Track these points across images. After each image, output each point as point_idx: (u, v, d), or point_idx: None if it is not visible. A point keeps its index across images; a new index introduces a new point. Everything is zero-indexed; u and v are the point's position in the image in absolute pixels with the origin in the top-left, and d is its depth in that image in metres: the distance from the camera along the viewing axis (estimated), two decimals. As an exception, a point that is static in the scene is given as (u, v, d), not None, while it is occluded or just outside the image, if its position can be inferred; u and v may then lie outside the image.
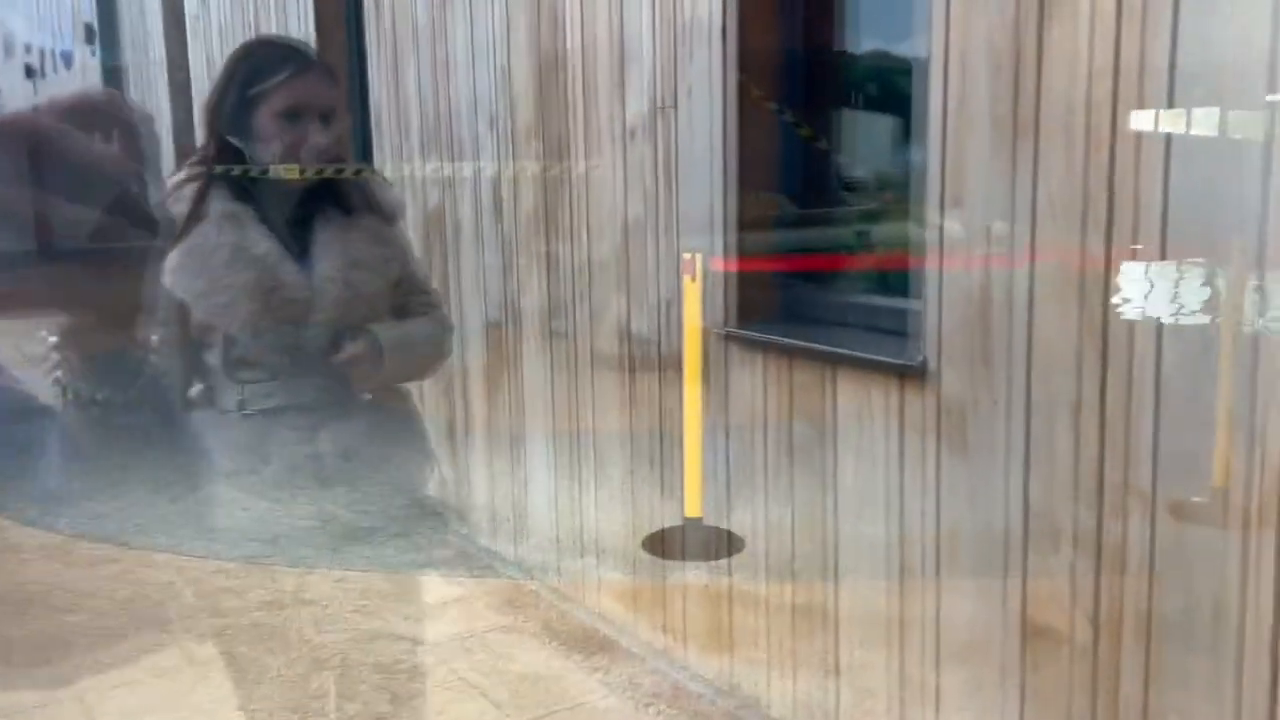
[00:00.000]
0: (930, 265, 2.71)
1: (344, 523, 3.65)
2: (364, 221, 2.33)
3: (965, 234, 2.59)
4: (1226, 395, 2.08)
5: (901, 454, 2.88)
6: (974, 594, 2.71)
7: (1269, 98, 1.93)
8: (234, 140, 2.20)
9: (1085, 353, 2.30)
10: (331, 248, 2.25)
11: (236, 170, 2.23)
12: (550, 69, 4.89)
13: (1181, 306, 2.13)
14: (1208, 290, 2.08)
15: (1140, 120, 2.12)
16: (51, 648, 3.64)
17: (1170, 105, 2.07)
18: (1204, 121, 2.03)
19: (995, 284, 2.48)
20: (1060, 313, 2.35)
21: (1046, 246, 2.38)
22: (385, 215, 2.42)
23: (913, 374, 2.72)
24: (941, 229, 2.67)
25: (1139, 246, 2.16)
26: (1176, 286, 2.13)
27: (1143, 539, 2.24)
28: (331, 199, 2.29)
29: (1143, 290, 2.18)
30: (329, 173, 2.30)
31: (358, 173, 2.54)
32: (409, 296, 2.47)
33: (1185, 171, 2.07)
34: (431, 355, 2.65)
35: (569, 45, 4.84)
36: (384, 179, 3.06)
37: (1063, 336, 2.34)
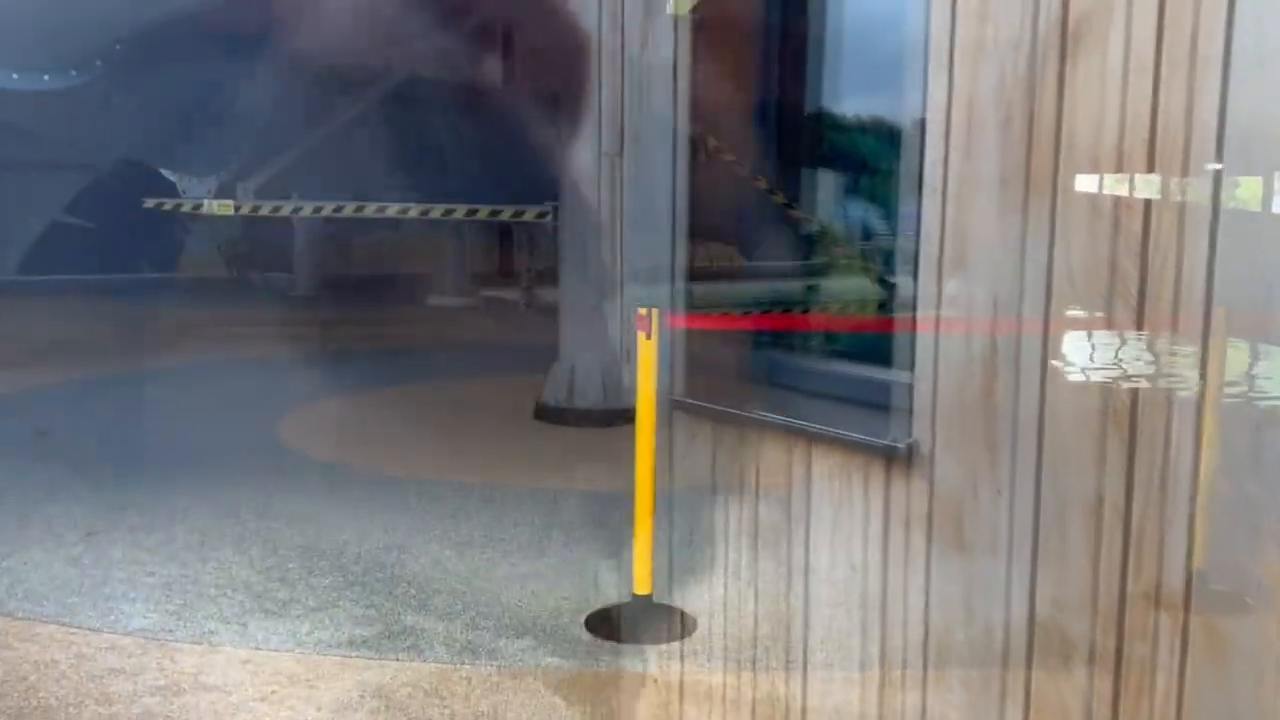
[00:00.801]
0: (924, 334, 2.40)
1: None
2: None
3: (967, 301, 2.30)
4: None
5: (885, 544, 2.56)
6: (965, 708, 2.38)
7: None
8: None
9: (1108, 442, 2.00)
10: None
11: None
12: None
13: (1227, 392, 1.84)
14: (1260, 375, 1.79)
15: (1183, 183, 1.84)
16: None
17: (1219, 167, 1.80)
18: (1257, 187, 1.75)
19: (1002, 359, 2.19)
20: (1078, 395, 2.05)
21: (1064, 319, 2.09)
22: None
23: (901, 457, 2.41)
24: (939, 294, 2.37)
25: (1178, 323, 1.87)
26: (1221, 371, 1.84)
27: (1172, 662, 1.94)
28: None
29: (1180, 373, 1.89)
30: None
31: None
32: None
33: (1235, 241, 1.79)
34: None
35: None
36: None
37: (1081, 423, 2.05)
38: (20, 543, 4.93)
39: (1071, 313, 2.08)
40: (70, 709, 3.35)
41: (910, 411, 2.41)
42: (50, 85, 7.76)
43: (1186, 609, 1.93)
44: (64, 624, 4.05)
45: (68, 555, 4.79)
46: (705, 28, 4.83)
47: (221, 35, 8.66)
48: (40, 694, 3.45)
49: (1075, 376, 2.06)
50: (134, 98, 8.52)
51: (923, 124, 2.50)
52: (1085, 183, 2.11)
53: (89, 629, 4.00)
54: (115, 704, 3.39)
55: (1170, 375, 1.92)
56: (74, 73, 7.81)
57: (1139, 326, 1.94)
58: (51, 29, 7.42)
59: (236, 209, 8.88)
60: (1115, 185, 2.02)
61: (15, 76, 7.73)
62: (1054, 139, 2.16)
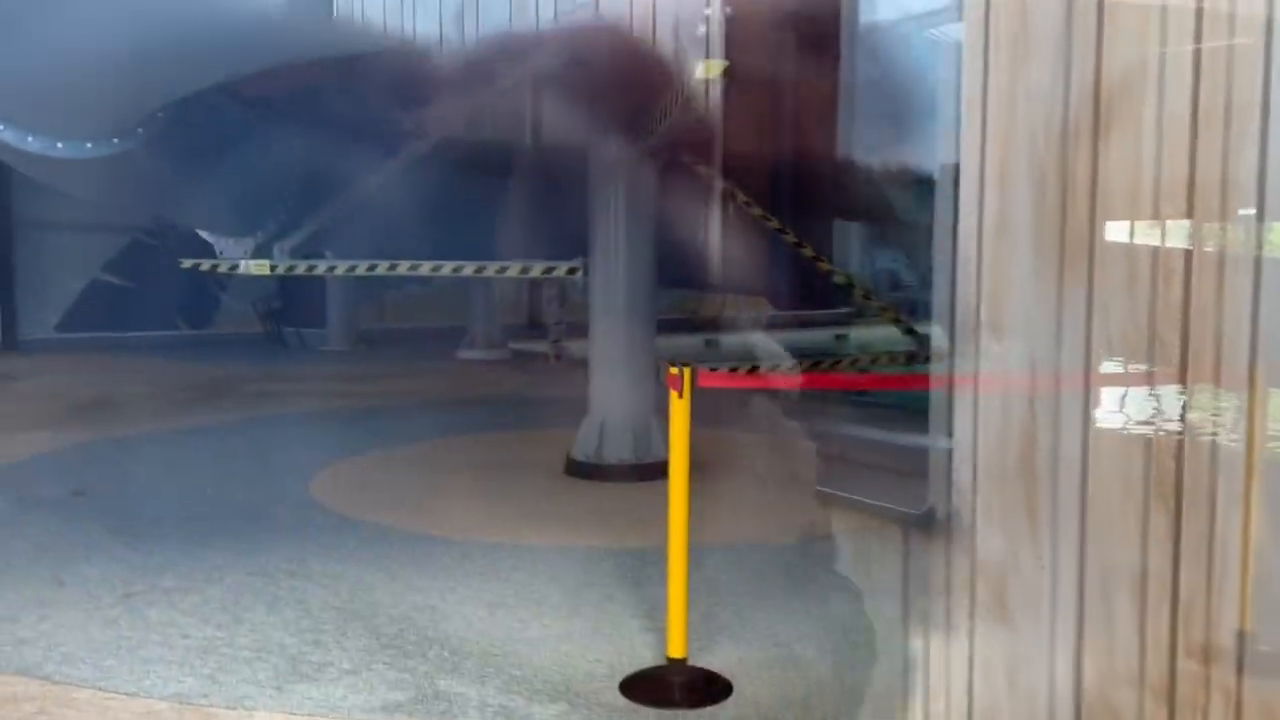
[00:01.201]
0: (963, 399, 2.38)
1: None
2: None
3: (1005, 366, 2.28)
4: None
5: (926, 612, 2.52)
6: (1011, 781, 2.33)
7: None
8: None
9: (1153, 512, 1.97)
10: None
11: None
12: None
13: (1272, 451, 1.82)
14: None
15: (1223, 239, 1.83)
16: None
17: (1259, 221, 1.79)
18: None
19: (1041, 426, 2.16)
20: (1122, 463, 2.03)
21: (1104, 384, 2.07)
22: None
23: (940, 527, 2.38)
24: (976, 358, 2.36)
25: (1220, 382, 1.85)
26: (1265, 431, 1.81)
27: (1226, 740, 1.89)
28: None
29: (1224, 435, 1.87)
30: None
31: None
32: None
33: (1278, 296, 1.78)
34: None
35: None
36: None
37: (1126, 492, 2.02)
38: (57, 604, 4.96)
39: (1111, 375, 2.06)
40: (106, 777, 3.34)
41: (949, 481, 2.38)
42: (93, 153, 7.96)
43: (1239, 677, 1.89)
44: (100, 689, 4.06)
45: (104, 617, 4.81)
46: (735, 86, 4.88)
47: (259, 101, 8.86)
48: (76, 761, 3.45)
49: (1117, 442, 2.04)
50: (173, 163, 8.71)
51: (956, 178, 2.50)
52: (1122, 239, 2.10)
53: (125, 694, 4.01)
54: (150, 772, 3.38)
55: (1214, 437, 1.90)
56: (116, 140, 8.01)
57: (1181, 387, 1.92)
58: (95, 99, 7.63)
59: (273, 269, 9.02)
60: (1151, 240, 2.02)
61: (60, 145, 7.93)
62: (1089, 197, 2.16)
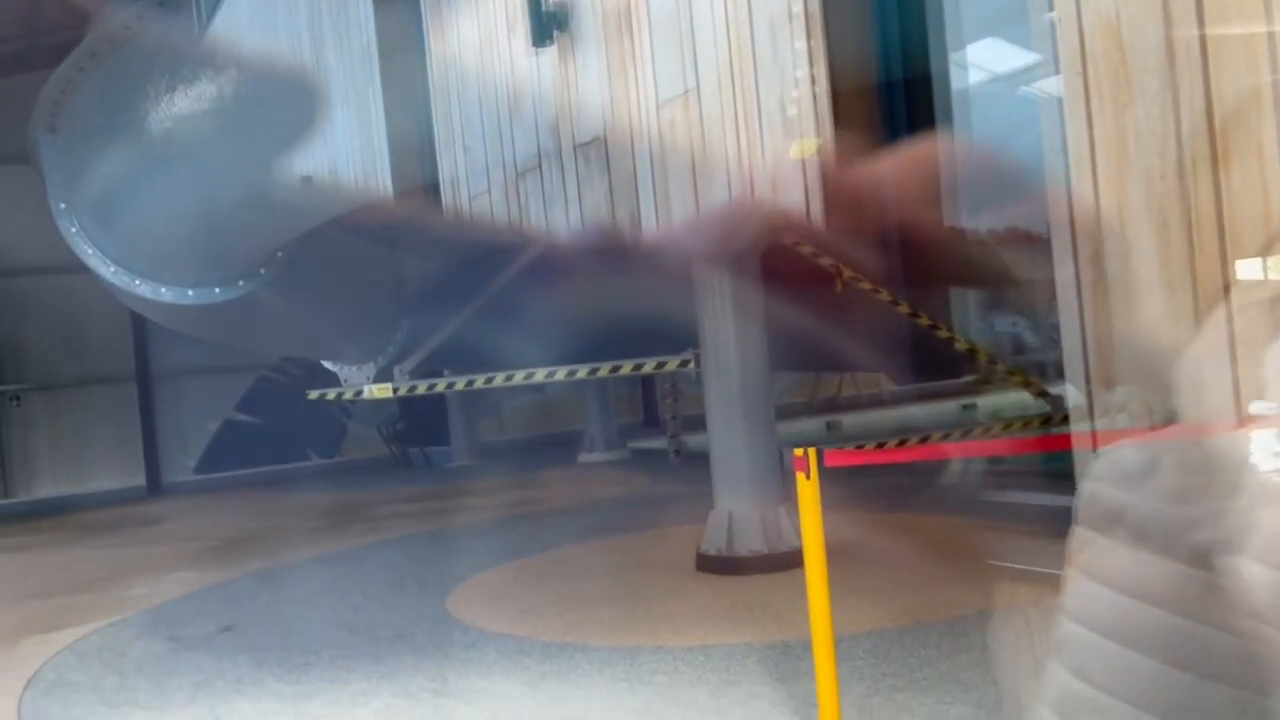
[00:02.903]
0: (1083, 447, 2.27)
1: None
2: None
3: (1145, 416, 2.16)
4: None
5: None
6: None
7: None
8: None
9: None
10: None
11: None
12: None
13: None
14: None
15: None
16: None
17: None
18: None
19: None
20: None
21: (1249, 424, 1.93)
22: None
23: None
24: (1114, 409, 2.25)
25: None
26: None
27: None
28: None
29: None
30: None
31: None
32: None
33: None
34: None
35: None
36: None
37: None
38: (214, 740, 5.06)
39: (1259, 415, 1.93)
40: None
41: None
42: (221, 297, 8.40)
43: None
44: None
45: (259, 750, 4.87)
46: (833, 161, 4.87)
47: (371, 232, 9.24)
48: None
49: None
50: (294, 298, 9.12)
51: (1073, 230, 2.43)
52: (1256, 271, 2.00)
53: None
54: None
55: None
56: (241, 283, 8.43)
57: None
58: (219, 248, 8.09)
59: (395, 391, 9.28)
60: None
61: (190, 293, 8.39)
62: (1217, 230, 2.06)
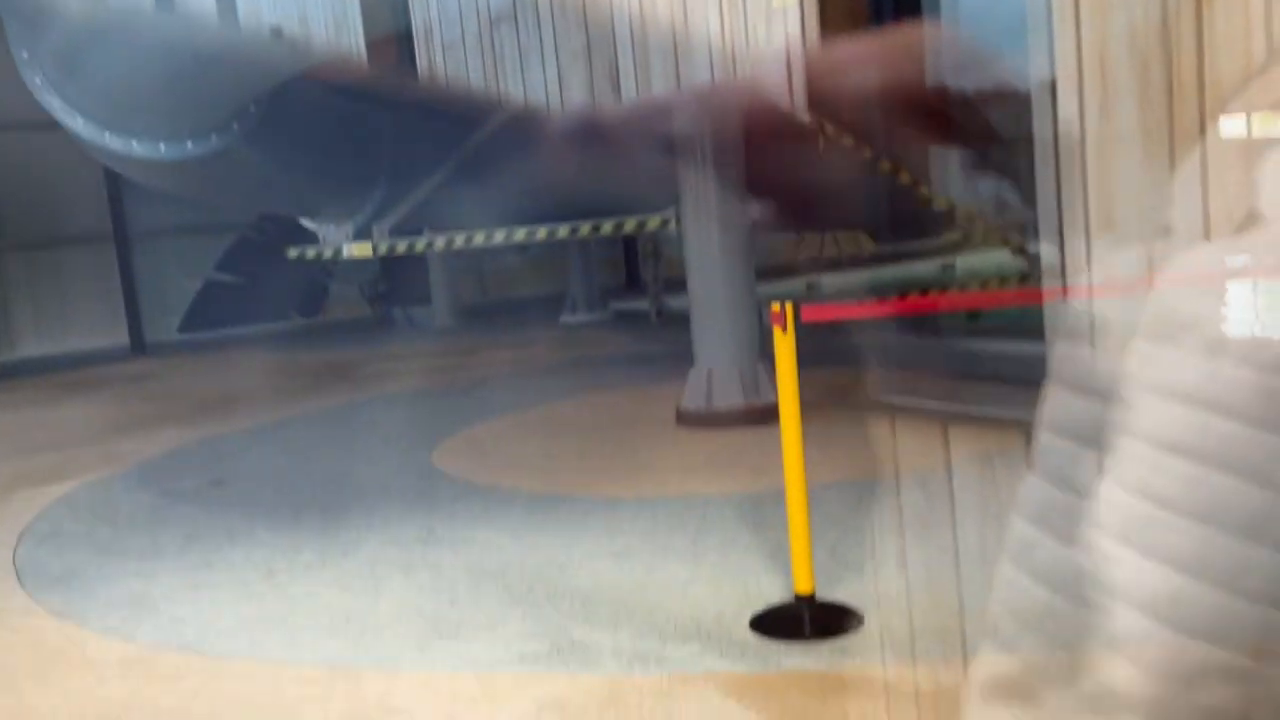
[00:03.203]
0: (1077, 300, 2.31)
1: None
2: None
3: (1118, 268, 2.19)
4: None
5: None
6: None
7: None
8: None
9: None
10: None
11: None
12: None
13: None
14: None
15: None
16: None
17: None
18: None
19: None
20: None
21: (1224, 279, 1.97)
22: None
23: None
24: (1088, 258, 2.28)
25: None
26: None
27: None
28: None
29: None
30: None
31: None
32: None
33: None
34: None
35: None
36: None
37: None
38: (208, 586, 5.22)
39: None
40: None
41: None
42: (194, 151, 8.24)
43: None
44: (255, 659, 4.27)
45: (252, 594, 5.04)
46: (819, 14, 4.77)
47: (344, 86, 9.03)
48: None
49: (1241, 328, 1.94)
50: (269, 154, 8.96)
51: (1054, 88, 2.42)
52: (1236, 123, 2.00)
53: (278, 662, 4.21)
54: (309, 732, 3.55)
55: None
56: (213, 137, 8.27)
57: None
58: (190, 99, 7.90)
59: (375, 250, 9.21)
60: (1269, 122, 1.91)
61: (163, 147, 8.23)
62: (1196, 74, 2.06)
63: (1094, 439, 0.68)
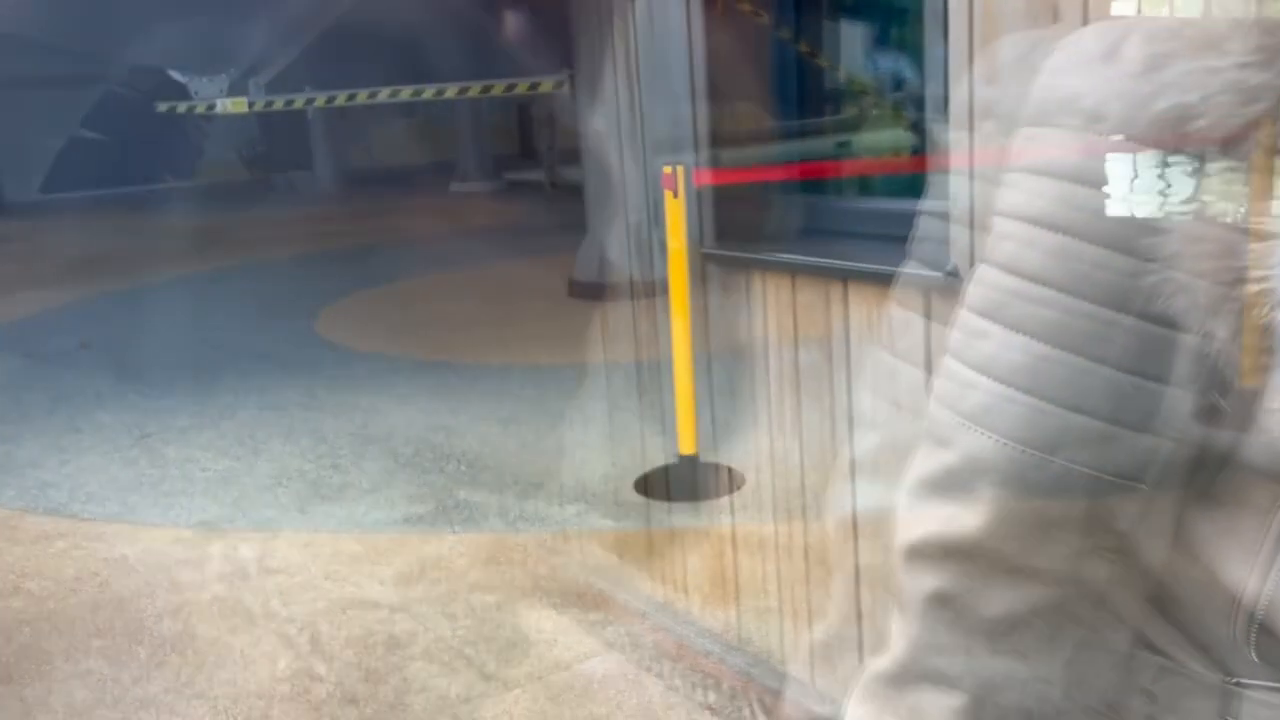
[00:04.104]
0: (959, 166, 2.31)
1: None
2: None
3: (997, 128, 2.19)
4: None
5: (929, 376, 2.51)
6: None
7: None
8: None
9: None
10: None
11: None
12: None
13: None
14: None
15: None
16: (-12, 638, 3.29)
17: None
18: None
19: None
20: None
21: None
22: None
23: (940, 285, 2.34)
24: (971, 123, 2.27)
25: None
26: None
27: None
28: None
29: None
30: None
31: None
32: None
33: None
34: None
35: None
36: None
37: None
38: (76, 449, 5.04)
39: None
40: (143, 599, 3.46)
41: (946, 241, 2.33)
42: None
43: None
44: (128, 521, 4.16)
45: (124, 458, 4.89)
46: None
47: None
48: (113, 587, 3.56)
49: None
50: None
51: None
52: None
53: (152, 525, 4.11)
54: (185, 591, 3.50)
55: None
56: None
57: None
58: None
59: (250, 106, 8.75)
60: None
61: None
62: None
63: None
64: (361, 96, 8.53)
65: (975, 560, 0.66)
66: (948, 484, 0.66)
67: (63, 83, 15.32)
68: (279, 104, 8.81)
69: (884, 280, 2.63)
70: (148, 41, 9.58)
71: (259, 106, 8.84)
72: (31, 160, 15.78)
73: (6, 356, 6.97)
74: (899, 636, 0.71)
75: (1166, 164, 0.58)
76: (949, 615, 0.68)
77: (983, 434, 0.62)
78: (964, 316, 0.66)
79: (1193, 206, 0.57)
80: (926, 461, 0.68)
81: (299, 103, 8.90)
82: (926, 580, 0.68)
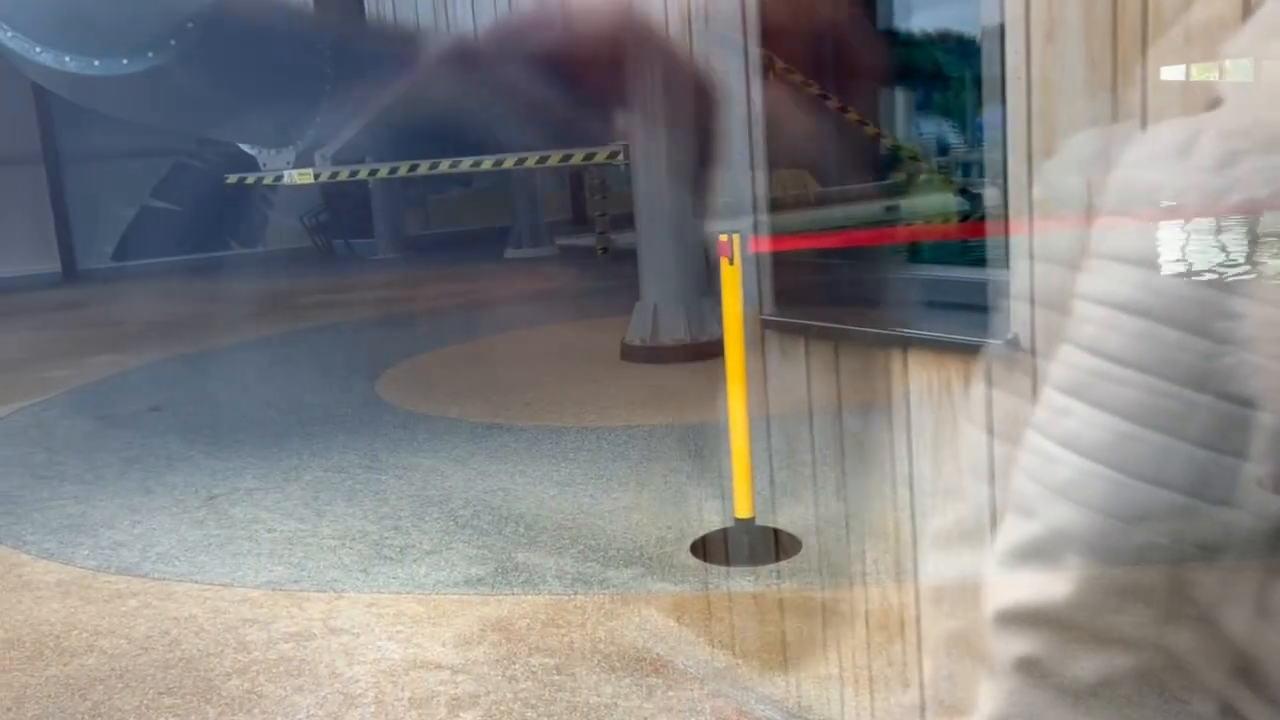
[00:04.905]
0: (1018, 232, 2.36)
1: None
2: None
3: (1062, 191, 2.24)
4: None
5: (990, 445, 2.53)
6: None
7: None
8: None
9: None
10: None
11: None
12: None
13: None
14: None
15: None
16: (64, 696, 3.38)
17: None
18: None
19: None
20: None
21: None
22: None
23: (1002, 354, 2.38)
24: (1030, 186, 2.33)
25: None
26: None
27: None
28: None
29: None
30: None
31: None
32: None
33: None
34: None
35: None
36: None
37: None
38: (147, 510, 5.18)
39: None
40: (211, 658, 3.54)
41: (1008, 308, 2.38)
42: (129, 69, 7.96)
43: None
44: (196, 581, 4.26)
45: (193, 519, 5.01)
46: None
47: (286, 4, 8.77)
48: (182, 646, 3.64)
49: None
50: (208, 74, 8.69)
51: (1002, 30, 2.45)
52: (1176, 62, 2.04)
53: (220, 584, 4.21)
54: (252, 651, 3.57)
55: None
56: (150, 54, 8.00)
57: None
58: (126, 13, 7.61)
59: (316, 177, 9.04)
60: (1207, 66, 1.95)
61: (96, 63, 7.94)
62: (1140, 17, 2.09)
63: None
64: (423, 167, 8.77)
65: (1062, 626, 0.70)
66: (1035, 553, 0.70)
67: (135, 154, 15.91)
68: (343, 174, 9.09)
69: (944, 347, 2.67)
70: (220, 117, 9.96)
71: (324, 177, 9.12)
72: (104, 229, 16.33)
73: (81, 419, 7.19)
74: (986, 699, 0.75)
75: (1239, 253, 0.64)
76: (1037, 679, 0.72)
77: (1068, 506, 0.67)
78: (1048, 394, 0.70)
79: (1265, 293, 0.63)
80: (1014, 531, 0.72)
81: (363, 173, 9.17)
82: (1016, 645, 0.72)
